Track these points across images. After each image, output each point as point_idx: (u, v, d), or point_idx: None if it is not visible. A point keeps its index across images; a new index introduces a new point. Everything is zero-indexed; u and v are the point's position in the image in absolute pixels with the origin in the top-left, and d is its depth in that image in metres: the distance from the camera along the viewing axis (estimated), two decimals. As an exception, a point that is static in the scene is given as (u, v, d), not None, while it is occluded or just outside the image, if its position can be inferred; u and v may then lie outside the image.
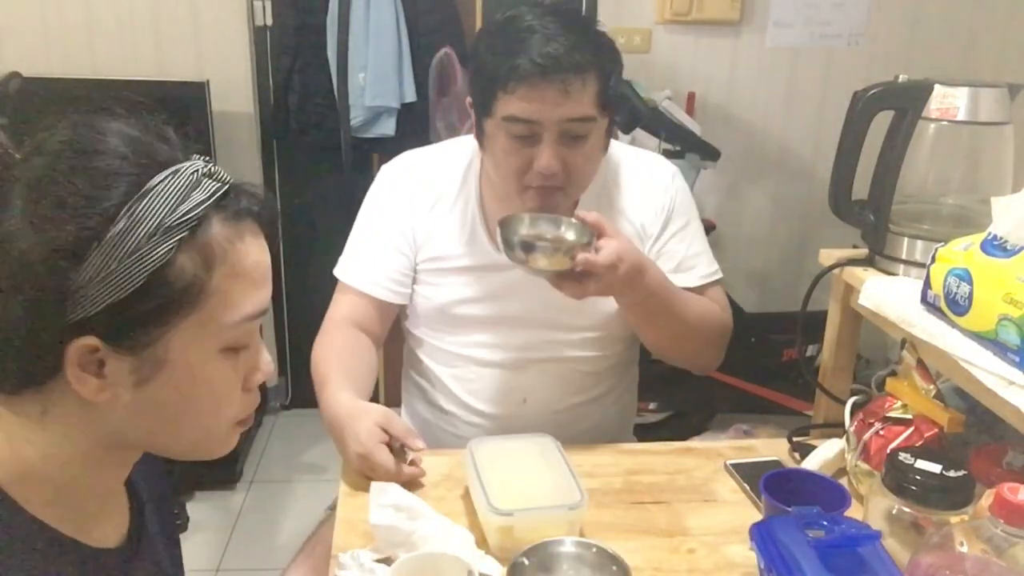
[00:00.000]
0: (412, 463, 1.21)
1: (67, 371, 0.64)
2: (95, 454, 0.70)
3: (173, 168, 0.65)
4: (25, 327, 0.63)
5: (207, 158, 0.70)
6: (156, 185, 0.64)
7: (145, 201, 0.63)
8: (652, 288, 1.26)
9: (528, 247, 1.19)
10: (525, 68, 1.19)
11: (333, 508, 1.29)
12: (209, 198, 0.66)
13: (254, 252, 0.69)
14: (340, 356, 1.34)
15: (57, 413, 0.67)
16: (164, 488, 0.92)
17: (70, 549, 0.70)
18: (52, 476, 0.69)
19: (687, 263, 1.40)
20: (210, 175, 0.67)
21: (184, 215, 0.64)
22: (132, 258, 0.62)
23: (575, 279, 1.20)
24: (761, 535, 0.89)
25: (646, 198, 1.41)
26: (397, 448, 1.20)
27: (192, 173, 0.66)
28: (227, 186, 0.68)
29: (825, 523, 0.89)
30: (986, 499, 0.96)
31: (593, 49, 1.23)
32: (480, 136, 1.32)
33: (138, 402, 0.67)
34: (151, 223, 0.62)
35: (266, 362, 0.75)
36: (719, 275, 1.43)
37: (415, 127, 2.80)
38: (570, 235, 1.25)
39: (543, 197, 1.28)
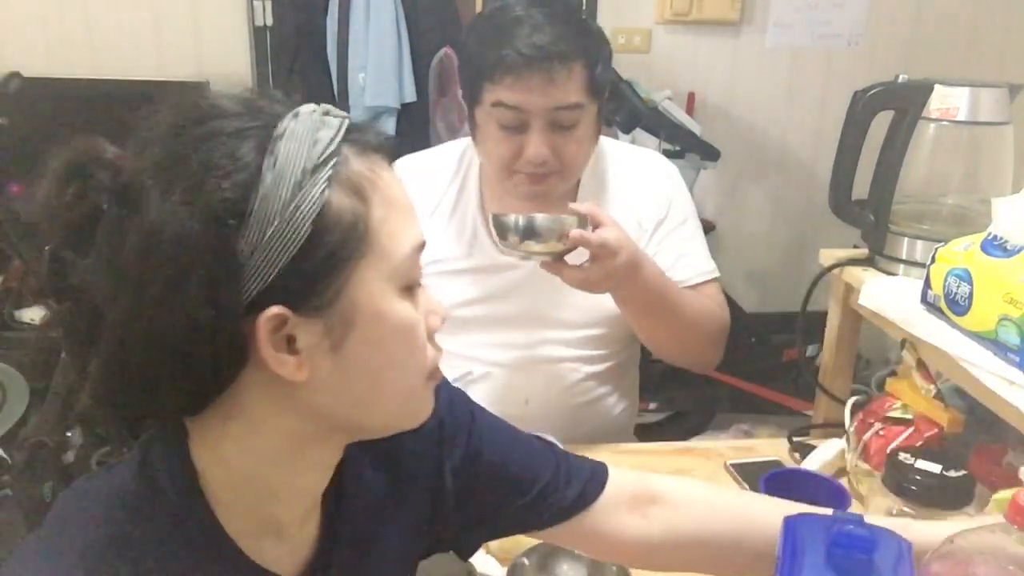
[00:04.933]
0: None
1: (263, 353, 0.59)
2: (289, 451, 0.65)
3: (293, 112, 0.61)
4: (206, 318, 0.57)
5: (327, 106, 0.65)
6: (285, 130, 0.60)
7: (282, 146, 0.59)
8: (649, 282, 1.24)
9: (522, 232, 1.16)
10: (511, 58, 1.21)
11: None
12: (337, 132, 0.62)
13: (395, 182, 0.65)
14: None
15: (245, 417, 0.63)
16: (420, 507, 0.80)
17: (241, 567, 0.65)
18: (245, 479, 0.64)
19: (684, 260, 1.39)
20: (327, 112, 0.63)
21: (323, 152, 0.60)
22: (290, 209, 0.58)
23: (576, 268, 1.18)
24: (786, 528, 0.88)
25: (643, 195, 1.41)
26: None
27: (311, 112, 0.62)
28: (347, 120, 0.64)
29: (857, 528, 0.86)
30: (992, 505, 0.96)
31: (579, 37, 1.24)
32: (472, 127, 1.33)
33: (338, 370, 0.62)
34: (296, 168, 0.59)
35: (438, 302, 0.70)
36: (716, 273, 1.43)
37: (415, 127, 2.80)
38: (565, 222, 1.21)
39: (534, 181, 1.29)
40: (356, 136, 0.63)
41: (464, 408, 0.84)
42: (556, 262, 1.18)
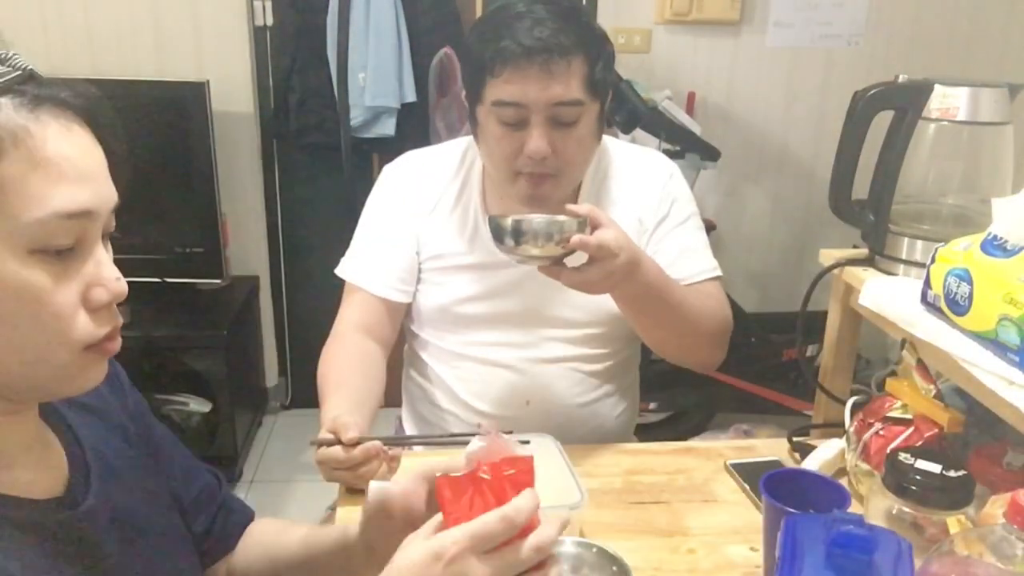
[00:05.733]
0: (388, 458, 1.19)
1: None
2: None
3: None
4: None
5: (13, 54, 0.63)
6: None
7: None
8: (649, 281, 1.23)
9: (519, 235, 1.15)
10: (510, 50, 1.21)
11: (333, 508, 1.29)
12: None
13: (61, 142, 0.62)
14: (341, 372, 1.33)
15: None
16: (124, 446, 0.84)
17: None
18: None
19: (684, 256, 1.39)
20: (2, 61, 0.62)
21: None
22: None
23: (575, 270, 1.17)
24: (786, 528, 0.89)
25: (644, 193, 1.41)
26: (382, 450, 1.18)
27: None
28: (20, 72, 0.62)
29: (857, 528, 0.86)
30: (991, 505, 0.96)
31: (580, 33, 1.25)
32: (473, 125, 1.33)
33: None
34: None
35: (110, 278, 0.66)
36: (718, 272, 1.42)
37: (415, 127, 2.80)
38: (564, 225, 1.19)
39: (535, 184, 1.28)
40: (31, 89, 0.62)
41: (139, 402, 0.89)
42: (554, 266, 1.17)
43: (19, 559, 0.64)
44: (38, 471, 0.71)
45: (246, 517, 0.99)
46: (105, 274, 0.66)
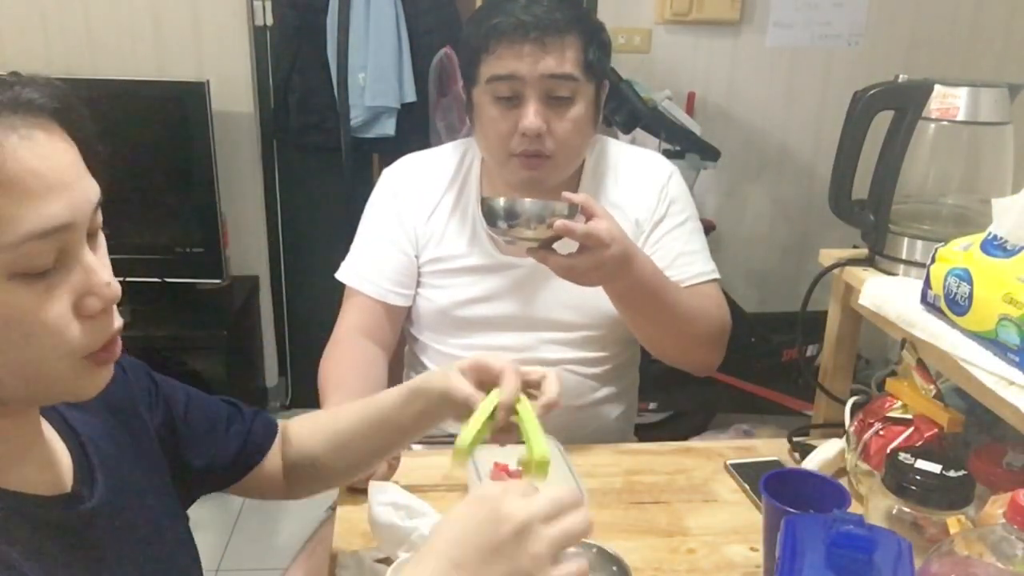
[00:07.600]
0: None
1: None
2: None
3: None
4: None
5: None
6: None
7: None
8: (642, 278, 1.23)
9: (508, 215, 1.14)
10: (505, 24, 1.24)
11: (333, 508, 1.29)
12: None
13: (24, 156, 0.58)
14: (341, 375, 1.33)
15: None
16: (138, 438, 0.83)
17: None
18: None
19: (682, 259, 1.39)
20: None
21: None
22: None
23: (564, 256, 1.16)
24: (786, 528, 0.89)
25: (642, 193, 1.41)
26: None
27: None
28: None
29: (857, 528, 0.86)
30: (991, 505, 0.96)
31: (574, 13, 1.27)
32: (471, 112, 1.34)
33: None
34: None
35: (101, 284, 0.63)
36: (715, 275, 1.42)
37: (415, 127, 2.80)
38: (555, 209, 1.18)
39: (530, 165, 1.29)
40: None
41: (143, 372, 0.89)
42: (543, 249, 1.16)
43: (35, 558, 0.64)
44: (44, 468, 0.71)
45: (273, 427, 1.02)
46: (95, 281, 0.63)
